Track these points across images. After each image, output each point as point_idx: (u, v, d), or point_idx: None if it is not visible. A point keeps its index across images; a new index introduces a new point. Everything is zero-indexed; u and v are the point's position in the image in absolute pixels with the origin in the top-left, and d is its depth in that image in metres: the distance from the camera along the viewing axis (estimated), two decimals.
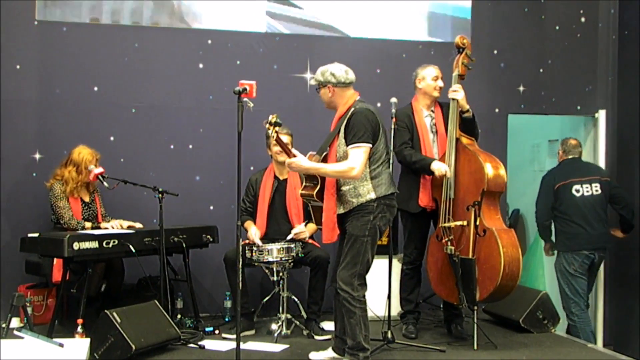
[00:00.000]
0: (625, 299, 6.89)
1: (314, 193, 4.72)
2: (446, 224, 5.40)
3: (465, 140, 5.54)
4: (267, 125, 4.56)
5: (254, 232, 5.84)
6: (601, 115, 6.81)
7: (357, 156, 4.53)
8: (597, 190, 6.47)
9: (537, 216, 6.70)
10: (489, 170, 5.31)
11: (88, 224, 5.85)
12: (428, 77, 5.67)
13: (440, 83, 5.67)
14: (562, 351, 5.32)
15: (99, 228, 5.80)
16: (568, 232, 6.47)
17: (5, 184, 6.22)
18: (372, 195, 4.59)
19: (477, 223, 5.23)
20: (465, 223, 5.32)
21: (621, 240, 6.70)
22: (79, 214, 5.88)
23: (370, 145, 4.57)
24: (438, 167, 5.42)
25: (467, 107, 5.57)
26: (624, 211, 6.57)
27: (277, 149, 5.85)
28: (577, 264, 6.41)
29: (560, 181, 6.51)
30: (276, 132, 4.58)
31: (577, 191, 6.45)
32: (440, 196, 5.52)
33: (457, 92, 5.55)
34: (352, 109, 4.65)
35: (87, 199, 5.99)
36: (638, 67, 6.83)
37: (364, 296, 4.64)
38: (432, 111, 5.73)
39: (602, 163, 6.92)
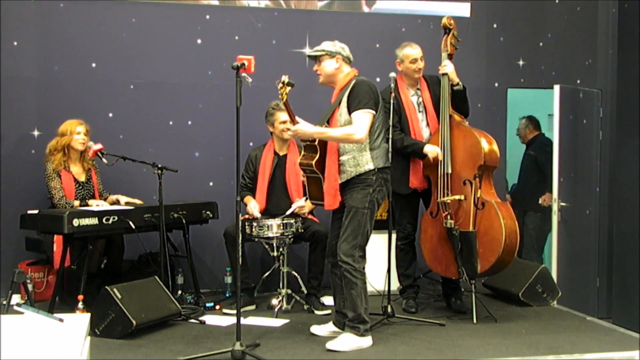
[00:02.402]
0: (625, 272, 6.90)
1: (313, 162, 4.73)
2: (444, 199, 5.41)
3: (457, 117, 5.57)
4: (280, 85, 4.58)
5: (253, 205, 5.86)
6: (555, 89, 6.79)
7: (361, 120, 4.59)
8: None
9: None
10: (484, 145, 5.37)
11: (76, 203, 5.83)
12: (406, 60, 5.64)
13: (420, 65, 5.63)
14: (561, 324, 5.34)
15: (87, 206, 5.77)
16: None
17: (5, 161, 6.22)
18: (371, 166, 4.63)
19: (478, 195, 5.26)
20: (462, 197, 5.35)
21: (625, 212, 6.78)
22: (72, 193, 5.86)
23: (374, 112, 4.63)
24: (431, 150, 5.44)
25: (457, 80, 5.57)
26: None
27: (283, 126, 5.85)
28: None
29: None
30: (286, 94, 4.62)
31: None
32: (432, 174, 5.54)
33: (447, 67, 5.57)
34: (355, 80, 4.71)
35: (82, 178, 5.97)
36: (638, 41, 6.79)
37: (364, 268, 4.68)
38: (419, 89, 5.71)
39: (555, 140, 6.89)
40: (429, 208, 5.64)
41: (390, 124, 5.37)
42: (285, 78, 4.60)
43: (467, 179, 5.35)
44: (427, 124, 5.68)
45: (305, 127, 4.68)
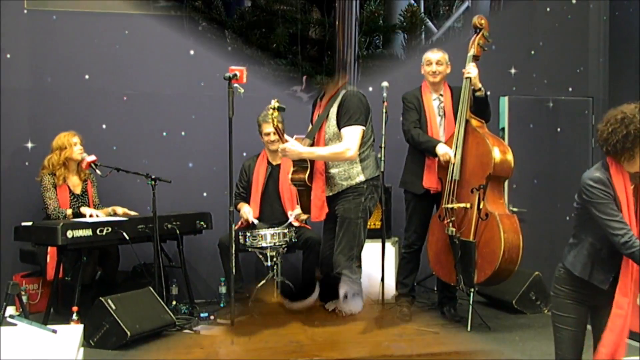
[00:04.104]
0: None
1: (305, 177, 4.74)
2: (449, 205, 5.39)
3: (475, 122, 5.50)
4: (271, 111, 4.59)
5: (247, 210, 5.85)
6: (504, 101, 6.86)
7: (352, 137, 4.59)
8: None
9: None
10: (496, 154, 5.28)
11: (69, 212, 5.82)
12: (425, 62, 5.68)
13: (434, 68, 5.63)
14: None
15: (80, 215, 5.78)
16: None
17: None
18: (362, 178, 4.66)
19: (481, 206, 5.24)
20: (468, 205, 5.30)
21: None
22: (66, 205, 5.86)
23: (364, 127, 4.64)
24: (443, 152, 5.40)
25: (480, 85, 5.52)
26: None
27: (271, 137, 5.85)
28: None
29: None
30: (275, 117, 4.63)
31: None
32: (444, 178, 5.50)
33: (470, 73, 5.53)
34: (343, 91, 4.71)
35: (78, 190, 5.98)
36: (630, 49, 6.83)
37: (360, 279, 4.70)
38: (441, 95, 5.72)
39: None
40: (438, 210, 5.61)
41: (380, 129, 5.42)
42: (274, 103, 4.61)
43: (475, 187, 5.28)
44: (445, 129, 5.69)
45: (294, 147, 4.66)
